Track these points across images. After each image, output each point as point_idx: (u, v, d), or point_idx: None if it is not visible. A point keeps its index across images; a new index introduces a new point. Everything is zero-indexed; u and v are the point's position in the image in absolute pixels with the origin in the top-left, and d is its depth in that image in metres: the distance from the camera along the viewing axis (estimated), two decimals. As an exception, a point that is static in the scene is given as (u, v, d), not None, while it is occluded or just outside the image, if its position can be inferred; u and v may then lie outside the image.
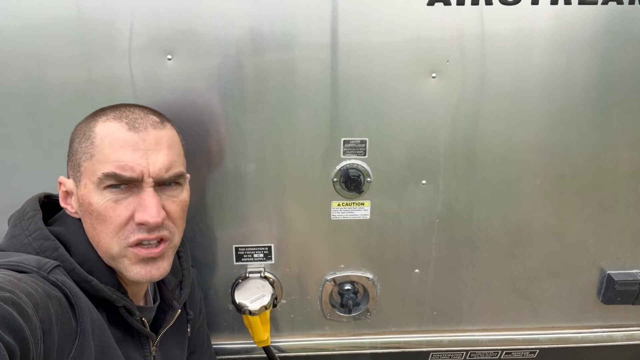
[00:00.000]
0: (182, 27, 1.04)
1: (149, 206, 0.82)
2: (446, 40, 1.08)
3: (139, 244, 0.83)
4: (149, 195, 0.83)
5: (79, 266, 0.80)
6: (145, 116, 0.86)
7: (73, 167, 0.86)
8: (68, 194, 0.88)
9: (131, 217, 0.82)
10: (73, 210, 0.88)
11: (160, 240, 0.86)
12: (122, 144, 0.82)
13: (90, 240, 0.85)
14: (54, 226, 0.86)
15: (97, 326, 0.78)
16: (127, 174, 0.81)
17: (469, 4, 1.05)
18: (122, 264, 0.84)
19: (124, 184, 0.82)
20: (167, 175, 0.85)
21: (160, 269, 0.87)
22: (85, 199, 0.82)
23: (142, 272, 0.85)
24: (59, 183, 0.89)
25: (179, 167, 0.89)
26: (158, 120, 0.88)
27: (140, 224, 0.82)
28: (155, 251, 0.85)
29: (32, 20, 1.01)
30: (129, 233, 0.82)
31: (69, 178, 0.89)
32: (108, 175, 0.80)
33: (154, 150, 0.84)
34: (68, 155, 0.89)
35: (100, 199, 0.81)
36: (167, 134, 0.88)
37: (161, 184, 0.86)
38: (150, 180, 0.83)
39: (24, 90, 1.06)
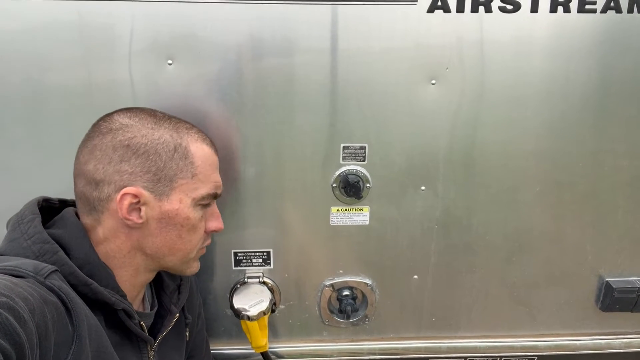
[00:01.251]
0: (182, 31, 1.04)
1: (219, 216, 1.00)
2: (446, 47, 1.08)
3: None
4: (216, 206, 1.00)
5: (79, 269, 0.80)
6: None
7: (157, 181, 0.87)
8: (138, 204, 0.86)
9: (205, 227, 0.97)
10: (140, 221, 0.87)
11: None
12: (216, 167, 0.97)
13: (163, 249, 0.91)
14: (52, 229, 0.85)
15: (94, 331, 0.78)
16: (220, 192, 0.97)
17: (469, 11, 1.06)
18: (189, 263, 0.98)
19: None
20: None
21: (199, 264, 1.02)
22: (182, 214, 0.90)
23: (197, 265, 1.01)
24: (129, 194, 0.84)
25: None
26: None
27: (214, 231, 0.99)
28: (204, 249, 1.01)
29: (33, 23, 1.01)
30: (205, 239, 0.99)
31: (136, 187, 0.85)
32: (210, 195, 0.94)
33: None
34: (141, 165, 0.85)
35: (197, 214, 0.92)
36: None
37: None
38: None
39: (25, 93, 1.06)
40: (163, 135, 0.88)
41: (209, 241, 1.01)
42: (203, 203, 0.93)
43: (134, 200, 0.86)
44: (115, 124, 0.87)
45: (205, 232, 0.97)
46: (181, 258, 0.95)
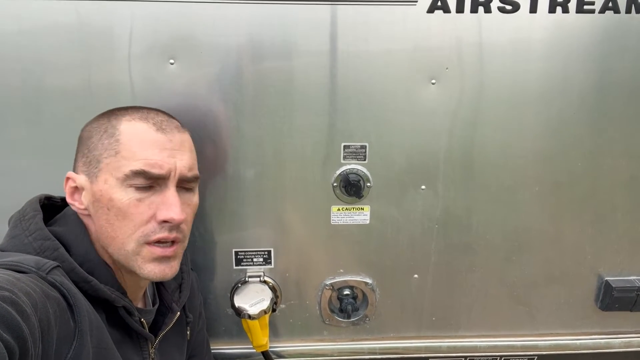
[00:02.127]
0: (184, 33, 1.05)
1: (173, 204, 0.85)
2: (445, 47, 1.09)
3: (157, 242, 0.85)
4: (173, 194, 0.86)
5: (79, 266, 0.81)
6: (169, 119, 0.91)
7: (88, 163, 0.86)
8: (77, 189, 0.88)
9: (153, 216, 0.84)
10: (82, 207, 0.87)
11: (173, 241, 0.88)
12: (151, 144, 0.85)
13: (102, 237, 0.86)
14: (54, 226, 0.86)
15: (95, 327, 0.78)
16: (155, 171, 0.84)
17: (468, 11, 1.07)
18: (136, 262, 0.85)
19: (150, 182, 0.84)
20: (190, 175, 0.89)
21: (173, 268, 0.89)
22: (105, 195, 0.83)
23: (156, 270, 0.86)
24: (66, 179, 0.88)
25: (197, 170, 0.94)
26: (180, 124, 0.93)
27: (164, 222, 0.84)
28: (169, 250, 0.87)
29: (34, 24, 1.02)
30: (150, 231, 0.84)
31: (78, 174, 0.88)
32: (137, 173, 0.83)
33: (179, 150, 0.88)
34: (79, 152, 0.89)
35: (123, 196, 0.83)
36: (188, 139, 0.94)
37: (178, 187, 0.88)
38: (175, 179, 0.86)
39: (25, 94, 1.06)
40: (101, 119, 0.89)
41: (161, 235, 0.85)
42: (135, 184, 0.83)
43: (73, 185, 0.88)
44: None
45: (155, 221, 0.85)
46: (117, 250, 0.85)
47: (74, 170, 0.89)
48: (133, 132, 0.85)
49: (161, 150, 0.85)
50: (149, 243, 0.85)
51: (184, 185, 0.90)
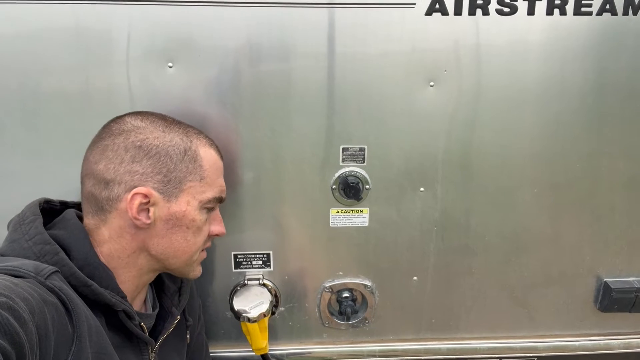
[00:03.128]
0: (182, 36, 1.05)
1: (222, 221, 1.02)
2: (443, 49, 1.09)
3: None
4: (218, 212, 1.02)
5: (79, 270, 0.80)
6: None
7: (167, 182, 0.88)
8: (147, 205, 0.87)
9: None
10: (148, 222, 0.87)
11: None
12: (221, 171, 0.99)
13: (170, 250, 0.92)
14: (54, 230, 0.85)
15: (94, 332, 0.78)
16: (224, 196, 1.00)
17: (466, 14, 1.07)
18: (192, 266, 0.99)
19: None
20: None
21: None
22: (188, 216, 0.91)
23: (200, 270, 1.02)
24: (139, 194, 0.85)
25: None
26: None
27: (216, 235, 1.00)
28: (204, 253, 1.02)
29: (32, 27, 1.02)
30: (206, 242, 0.99)
31: (147, 188, 0.86)
32: (216, 199, 0.96)
33: None
34: (153, 166, 0.87)
35: (203, 217, 0.94)
36: None
37: None
38: None
39: (23, 97, 1.06)
40: (174, 138, 0.90)
41: (209, 244, 1.02)
42: (208, 206, 0.95)
43: (144, 201, 0.86)
44: (127, 126, 0.89)
45: (208, 235, 0.98)
46: (185, 260, 0.95)
47: (135, 183, 0.86)
48: (211, 159, 0.95)
49: (222, 175, 1.00)
50: (203, 250, 1.00)
51: None
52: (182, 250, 0.93)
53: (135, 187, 0.86)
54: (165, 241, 0.91)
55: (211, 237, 1.00)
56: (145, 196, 0.86)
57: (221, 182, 0.98)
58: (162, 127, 0.91)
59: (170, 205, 0.89)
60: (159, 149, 0.88)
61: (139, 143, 0.87)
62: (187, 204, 0.91)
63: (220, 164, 0.99)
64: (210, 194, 0.94)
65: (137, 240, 0.89)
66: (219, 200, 0.98)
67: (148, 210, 0.87)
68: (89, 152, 0.90)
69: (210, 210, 0.97)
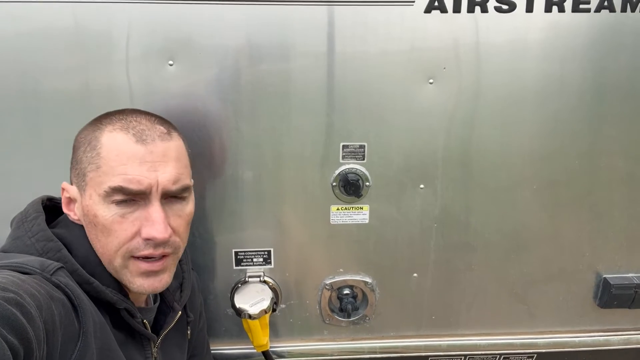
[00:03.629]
0: (182, 34, 1.05)
1: (156, 222, 0.82)
2: (442, 47, 1.10)
3: (144, 257, 0.84)
4: (156, 210, 0.82)
5: (81, 267, 0.81)
6: (152, 127, 0.85)
7: (77, 176, 0.85)
8: (71, 200, 0.88)
9: (137, 232, 0.82)
10: (76, 217, 0.87)
11: (163, 256, 0.86)
12: (129, 157, 0.81)
13: (94, 249, 0.85)
14: (56, 228, 0.86)
15: (99, 329, 0.79)
16: (134, 187, 0.80)
17: (465, 11, 1.07)
18: (125, 276, 0.85)
19: (131, 197, 0.81)
20: (174, 188, 0.84)
21: (162, 281, 0.87)
22: (91, 211, 0.82)
23: (145, 285, 0.85)
24: (62, 189, 0.88)
25: (186, 180, 0.88)
26: (165, 130, 0.86)
27: (148, 239, 0.82)
28: (157, 264, 0.85)
29: (32, 26, 1.02)
30: (134, 248, 0.83)
31: (72, 184, 0.87)
32: (115, 189, 0.80)
33: (161, 162, 0.83)
34: (72, 162, 0.88)
35: (107, 213, 0.81)
36: (174, 145, 0.87)
37: (167, 197, 0.85)
38: (158, 193, 0.82)
39: (24, 96, 1.06)
40: (88, 128, 0.87)
41: (146, 251, 0.83)
42: (116, 200, 0.81)
43: (67, 195, 0.88)
44: None
45: (141, 237, 0.82)
46: (108, 265, 0.85)
47: (70, 180, 0.89)
48: (113, 144, 0.81)
49: (140, 164, 0.81)
50: (135, 257, 0.83)
51: (173, 196, 0.86)
52: (99, 252, 0.84)
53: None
54: (90, 240, 0.85)
55: (145, 239, 0.82)
56: (66, 191, 0.87)
57: (126, 169, 0.80)
58: (92, 121, 0.88)
59: (83, 199, 0.84)
60: (76, 142, 0.88)
61: (73, 143, 0.89)
62: (89, 198, 0.82)
63: (129, 148, 0.81)
64: (108, 183, 0.80)
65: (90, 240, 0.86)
66: (123, 191, 0.80)
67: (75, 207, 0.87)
68: None
69: (126, 205, 0.81)
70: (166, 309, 1.00)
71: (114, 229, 0.81)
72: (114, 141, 0.81)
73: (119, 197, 0.80)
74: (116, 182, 0.79)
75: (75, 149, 0.88)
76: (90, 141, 0.83)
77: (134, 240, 0.82)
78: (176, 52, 1.07)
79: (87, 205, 0.82)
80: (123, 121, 0.84)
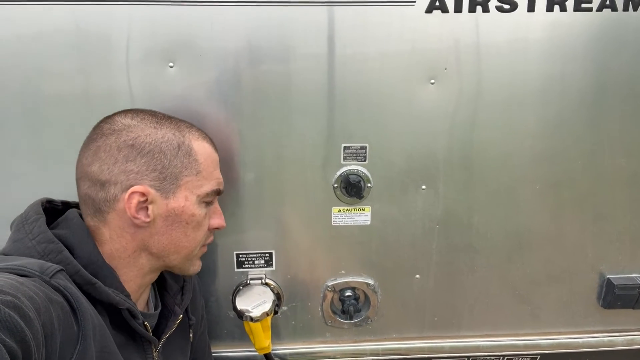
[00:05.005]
0: (182, 36, 1.05)
1: (221, 214, 1.02)
2: (444, 47, 1.09)
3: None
4: (218, 205, 1.01)
5: (83, 268, 0.80)
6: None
7: (163, 179, 0.87)
8: (145, 203, 0.87)
9: (208, 224, 0.98)
10: (148, 220, 0.87)
11: None
12: (216, 163, 0.97)
13: (171, 247, 0.92)
14: (57, 230, 0.86)
15: (98, 331, 0.78)
16: (222, 188, 0.99)
17: (466, 11, 1.07)
18: (192, 261, 0.99)
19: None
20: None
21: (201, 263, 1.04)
22: (187, 211, 0.91)
23: (199, 264, 1.02)
24: (136, 192, 0.85)
25: None
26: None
27: (215, 228, 1.00)
28: (205, 247, 1.02)
29: (32, 28, 1.02)
30: (208, 237, 1.00)
31: (143, 187, 0.85)
32: (214, 192, 0.95)
33: None
34: (148, 164, 0.86)
35: (202, 211, 0.94)
36: None
37: None
38: None
39: (24, 99, 1.06)
40: (166, 134, 0.89)
41: (211, 239, 1.02)
42: (207, 200, 0.95)
43: (142, 199, 0.86)
44: (117, 125, 0.88)
45: (208, 229, 0.98)
46: (185, 256, 0.95)
47: (131, 182, 0.85)
48: (205, 152, 0.94)
49: (218, 168, 0.99)
50: (204, 245, 1.01)
51: None
52: (182, 246, 0.93)
53: (132, 186, 0.85)
54: (166, 238, 0.91)
55: (211, 230, 1.00)
56: (143, 194, 0.86)
57: (217, 174, 0.97)
58: (153, 124, 0.90)
59: (169, 201, 0.89)
60: (152, 146, 0.87)
61: (131, 142, 0.86)
62: (185, 199, 0.90)
63: (215, 156, 0.98)
64: (207, 187, 0.93)
65: (137, 239, 0.89)
66: (217, 192, 0.97)
67: (147, 209, 0.87)
68: (82, 154, 0.89)
69: (209, 204, 0.96)
70: (167, 313, 1.00)
71: (204, 223, 0.95)
72: (205, 149, 0.95)
73: (212, 198, 0.96)
74: (215, 185, 0.95)
75: (150, 152, 0.87)
76: (180, 147, 0.90)
77: (208, 231, 0.98)
78: (176, 54, 1.06)
79: (183, 207, 0.90)
80: (195, 129, 0.96)
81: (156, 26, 1.04)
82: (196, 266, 1.01)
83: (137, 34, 1.04)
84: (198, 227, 0.94)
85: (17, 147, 1.10)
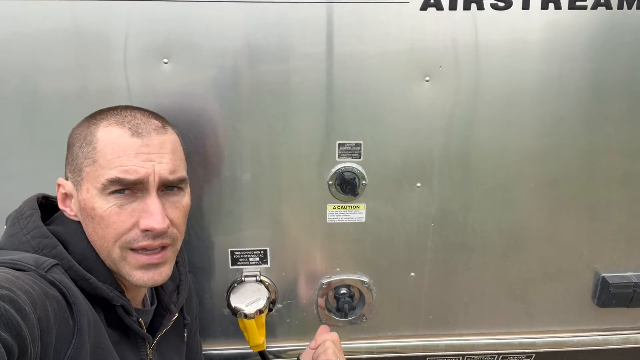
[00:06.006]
0: (179, 33, 1.05)
1: (154, 212, 0.83)
2: (439, 45, 1.10)
3: (142, 249, 0.84)
4: (153, 201, 0.83)
5: (78, 264, 0.80)
6: (147, 121, 0.87)
7: (73, 171, 0.86)
8: (67, 196, 0.88)
9: (135, 224, 0.83)
10: (72, 213, 0.87)
11: (162, 247, 0.86)
12: (125, 149, 0.82)
13: (92, 244, 0.85)
14: (52, 225, 0.86)
15: (93, 326, 0.78)
16: (131, 177, 0.81)
17: (461, 8, 1.07)
18: (124, 269, 0.85)
19: (129, 188, 0.82)
20: (171, 178, 0.86)
21: (162, 274, 0.88)
22: (88, 204, 0.82)
23: (144, 278, 0.85)
24: (57, 185, 0.88)
25: (182, 172, 0.90)
26: (160, 124, 0.88)
27: (146, 230, 0.82)
28: (156, 257, 0.86)
29: (29, 25, 1.02)
30: (132, 239, 0.83)
31: (67, 180, 0.88)
32: (112, 181, 0.81)
33: (157, 153, 0.85)
34: (67, 159, 0.89)
35: (105, 204, 0.82)
36: (170, 139, 0.89)
37: (164, 190, 0.86)
38: (155, 184, 0.83)
39: (22, 96, 1.06)
40: (83, 125, 0.88)
41: (144, 242, 0.84)
42: (113, 191, 0.82)
43: (63, 191, 0.88)
44: None
45: (139, 229, 0.83)
46: (106, 257, 0.85)
47: (65, 176, 0.90)
48: (108, 139, 0.83)
49: (136, 155, 0.82)
50: (133, 249, 0.84)
51: (169, 188, 0.88)
52: (97, 245, 0.85)
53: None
54: (87, 234, 0.85)
55: (143, 231, 0.83)
56: (61, 186, 0.88)
57: (122, 161, 0.81)
58: (87, 118, 0.89)
59: (80, 194, 0.85)
60: (70, 139, 0.89)
61: (68, 140, 0.90)
62: (86, 192, 0.83)
63: (125, 141, 0.83)
64: (106, 176, 0.81)
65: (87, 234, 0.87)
66: (121, 182, 0.81)
67: (72, 203, 0.88)
68: None
69: (124, 197, 0.82)
70: (163, 311, 1.00)
71: (112, 220, 0.82)
72: (110, 135, 0.83)
73: (116, 188, 0.82)
74: (113, 174, 0.81)
75: (70, 145, 0.88)
76: (86, 137, 0.85)
77: (132, 232, 0.83)
78: (173, 50, 1.06)
79: (85, 199, 0.83)
80: (118, 116, 0.86)
81: (154, 23, 1.04)
82: (134, 277, 0.85)
83: (135, 31, 1.04)
84: (106, 224, 0.82)
85: (14, 143, 1.10)
